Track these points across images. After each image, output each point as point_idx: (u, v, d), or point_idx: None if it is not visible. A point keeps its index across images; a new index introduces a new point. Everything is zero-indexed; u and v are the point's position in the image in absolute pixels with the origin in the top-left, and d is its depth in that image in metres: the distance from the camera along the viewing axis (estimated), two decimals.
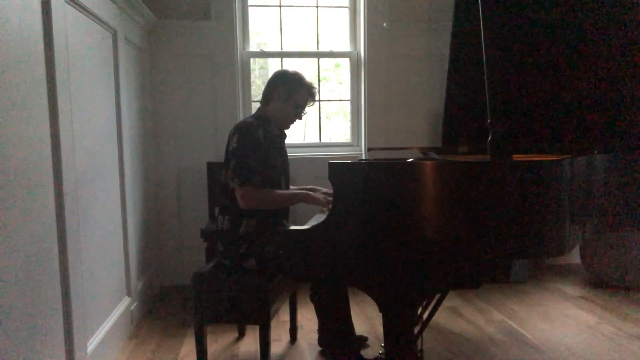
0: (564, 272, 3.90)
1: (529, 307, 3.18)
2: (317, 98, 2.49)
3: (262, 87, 2.45)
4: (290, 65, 4.02)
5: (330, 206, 2.08)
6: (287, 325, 2.81)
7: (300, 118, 2.42)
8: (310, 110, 2.58)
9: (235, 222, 2.22)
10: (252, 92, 3.89)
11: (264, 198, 2.18)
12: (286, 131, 2.44)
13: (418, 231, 1.71)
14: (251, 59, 3.87)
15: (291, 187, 2.51)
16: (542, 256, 1.77)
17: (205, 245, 3.19)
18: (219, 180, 2.37)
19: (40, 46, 1.75)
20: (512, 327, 2.87)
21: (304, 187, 2.54)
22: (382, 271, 1.76)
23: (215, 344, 2.70)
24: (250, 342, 2.72)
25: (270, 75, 2.45)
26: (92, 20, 2.35)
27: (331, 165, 1.78)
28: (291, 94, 2.33)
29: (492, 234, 1.69)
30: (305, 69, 4.05)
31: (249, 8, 3.82)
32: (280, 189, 2.31)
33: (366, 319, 3.01)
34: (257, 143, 2.20)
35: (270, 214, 2.26)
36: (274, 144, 2.32)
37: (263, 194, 2.18)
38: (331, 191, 2.21)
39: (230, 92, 3.68)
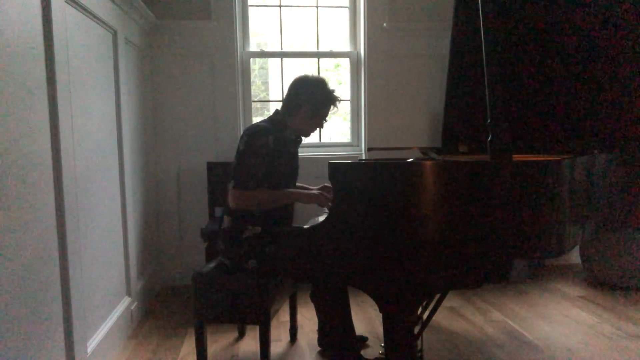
0: (564, 272, 3.90)
1: (529, 307, 3.18)
2: (339, 105, 2.35)
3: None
4: (290, 65, 4.02)
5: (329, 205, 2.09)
6: (287, 325, 2.81)
7: (322, 127, 2.38)
8: None
9: (239, 225, 2.22)
10: (252, 92, 3.88)
11: (253, 199, 2.16)
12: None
13: (418, 231, 1.71)
14: (251, 59, 3.87)
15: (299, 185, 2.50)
16: (542, 256, 1.77)
17: (205, 245, 3.19)
18: (226, 181, 2.34)
19: (40, 46, 1.75)
20: (512, 327, 2.87)
21: (311, 187, 2.51)
22: (382, 271, 1.76)
23: (215, 344, 2.70)
24: (250, 342, 2.72)
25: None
26: (92, 20, 2.35)
27: (331, 165, 1.78)
28: (318, 110, 2.26)
29: (492, 234, 1.69)
30: (305, 69, 4.04)
31: (249, 8, 3.82)
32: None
33: (366, 319, 3.01)
34: (265, 149, 2.16)
35: (274, 219, 2.25)
36: (287, 149, 2.30)
37: (252, 195, 2.15)
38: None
39: (230, 92, 3.68)
